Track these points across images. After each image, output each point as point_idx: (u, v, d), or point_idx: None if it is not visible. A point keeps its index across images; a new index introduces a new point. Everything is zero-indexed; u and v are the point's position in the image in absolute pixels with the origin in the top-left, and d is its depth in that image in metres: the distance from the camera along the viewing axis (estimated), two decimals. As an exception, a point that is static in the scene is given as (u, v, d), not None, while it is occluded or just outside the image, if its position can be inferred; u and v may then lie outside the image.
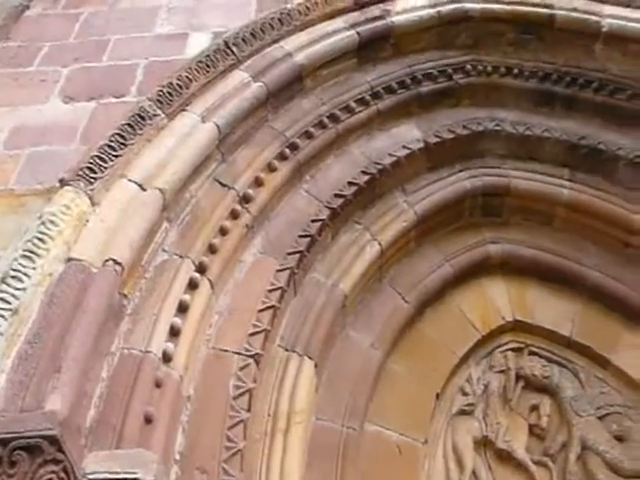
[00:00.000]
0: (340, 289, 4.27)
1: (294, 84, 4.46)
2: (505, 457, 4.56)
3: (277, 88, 4.35)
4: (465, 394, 4.72)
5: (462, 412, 4.68)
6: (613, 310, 5.05)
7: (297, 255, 4.08)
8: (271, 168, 4.22)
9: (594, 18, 5.15)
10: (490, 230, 5.15)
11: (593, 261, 5.13)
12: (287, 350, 3.94)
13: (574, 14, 5.18)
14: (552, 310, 5.10)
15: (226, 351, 3.64)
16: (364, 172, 4.51)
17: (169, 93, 3.96)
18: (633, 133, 5.13)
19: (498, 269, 5.12)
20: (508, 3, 5.12)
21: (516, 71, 5.16)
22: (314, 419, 3.95)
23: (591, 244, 5.17)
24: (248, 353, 3.63)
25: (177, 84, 4.01)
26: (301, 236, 4.15)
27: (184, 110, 4.04)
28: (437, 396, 4.54)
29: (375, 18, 4.78)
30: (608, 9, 5.18)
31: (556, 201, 5.17)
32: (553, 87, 5.22)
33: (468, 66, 5.05)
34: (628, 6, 5.17)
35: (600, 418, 4.82)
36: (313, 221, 4.22)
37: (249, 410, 3.50)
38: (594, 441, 4.69)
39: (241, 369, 3.59)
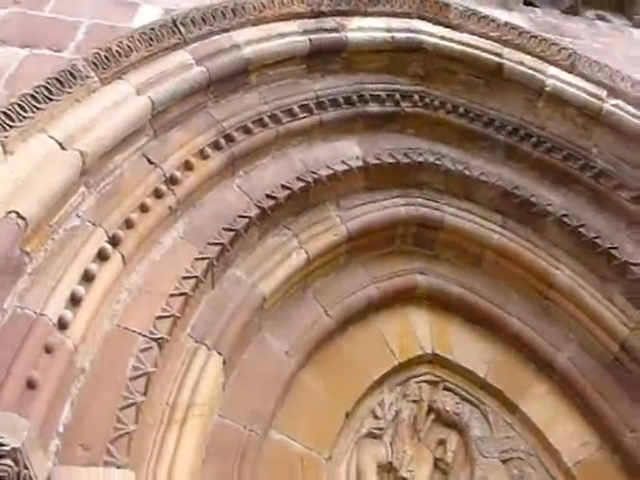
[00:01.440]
0: (260, 290, 4.01)
1: (239, 77, 4.23)
2: (406, 487, 4.41)
3: (220, 77, 4.11)
4: (376, 417, 4.49)
5: (371, 435, 4.43)
6: (528, 359, 4.93)
7: (218, 247, 3.81)
8: (203, 155, 3.97)
9: (539, 76, 5.10)
10: (420, 261, 4.97)
11: (515, 309, 5.00)
12: (197, 341, 3.65)
13: (521, 67, 5.10)
14: (471, 350, 4.93)
15: (130, 330, 3.32)
16: (300, 179, 4.29)
17: (107, 58, 3.68)
18: (564, 192, 5.07)
19: (424, 300, 4.93)
20: (462, 43, 5.02)
21: (462, 110, 5.05)
22: (216, 416, 3.65)
23: (515, 292, 5.05)
24: (152, 336, 3.33)
25: (117, 51, 3.74)
26: (226, 229, 3.88)
27: (120, 78, 3.76)
28: (347, 415, 4.30)
29: (330, 30, 4.60)
30: (552, 70, 5.14)
31: (486, 244, 5.03)
32: (495, 134, 5.12)
33: (416, 96, 4.91)
34: (570, 72, 5.15)
35: (503, 461, 4.65)
36: (241, 217, 3.96)
37: (145, 394, 3.18)
38: None
39: (142, 351, 3.27)
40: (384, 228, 4.77)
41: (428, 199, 4.95)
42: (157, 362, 3.31)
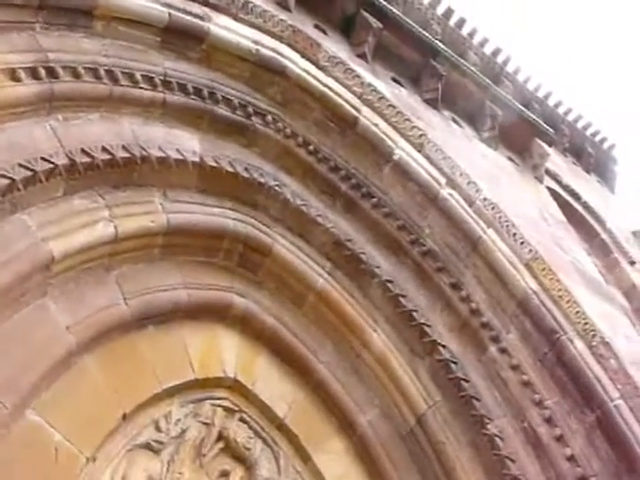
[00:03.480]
0: (50, 247, 3.35)
1: (80, 16, 3.71)
2: (187, 512, 3.71)
3: (55, 4, 3.57)
4: (158, 429, 3.85)
5: (148, 446, 3.77)
6: (331, 412, 4.56)
7: (6, 181, 3.17)
8: (14, 76, 3.35)
9: (390, 143, 4.99)
10: (242, 283, 4.50)
11: (327, 358, 4.65)
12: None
13: (375, 129, 4.95)
14: (275, 387, 4.46)
15: None
16: (126, 149, 3.74)
17: None
18: (393, 260, 4.91)
19: (237, 324, 4.44)
20: (324, 85, 4.83)
21: (312, 148, 4.78)
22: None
23: (330, 341, 4.70)
24: None
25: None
26: (22, 166, 3.24)
27: None
28: (124, 416, 3.64)
29: (194, 14, 4.23)
30: (403, 143, 5.03)
31: (311, 286, 4.67)
32: (340, 182, 4.88)
33: (270, 117, 4.60)
34: (419, 151, 5.08)
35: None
36: (44, 160, 3.34)
37: None
38: None
39: None
40: (209, 236, 4.31)
41: (261, 223, 4.56)
42: None
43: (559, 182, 7.90)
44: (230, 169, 4.34)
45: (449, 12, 6.94)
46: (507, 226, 5.12)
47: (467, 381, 4.59)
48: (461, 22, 7.11)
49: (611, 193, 9.58)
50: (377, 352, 4.69)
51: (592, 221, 8.04)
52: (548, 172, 7.78)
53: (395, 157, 4.99)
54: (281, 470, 4.27)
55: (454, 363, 4.63)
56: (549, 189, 7.40)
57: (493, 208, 5.18)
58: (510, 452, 4.37)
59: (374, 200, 4.93)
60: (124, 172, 3.82)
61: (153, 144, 3.96)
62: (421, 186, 5.01)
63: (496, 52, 7.53)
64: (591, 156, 9.37)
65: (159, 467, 3.75)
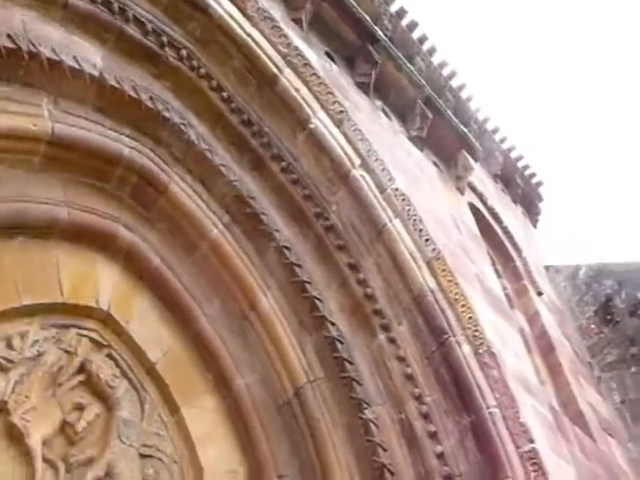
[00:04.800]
0: None
1: None
2: (16, 436, 3.50)
3: None
4: (10, 347, 3.63)
5: (-6, 362, 3.47)
6: (208, 368, 4.45)
7: None
8: None
9: (308, 111, 4.90)
10: (131, 216, 4.34)
11: (212, 313, 4.53)
12: None
13: (294, 93, 4.89)
14: (152, 330, 4.30)
15: None
16: (11, 38, 3.50)
17: None
18: (295, 229, 4.83)
19: (121, 257, 4.29)
20: (248, 35, 4.69)
21: (226, 95, 4.65)
22: None
23: (218, 297, 4.58)
24: None
25: None
26: None
27: None
28: (-34, 322, 3.34)
29: None
30: (322, 115, 4.98)
31: (204, 235, 4.54)
32: (250, 138, 4.76)
33: (185, 52, 4.42)
34: (337, 127, 5.05)
35: (142, 455, 3.97)
36: None
37: None
38: (121, 473, 3.80)
39: None
40: (101, 158, 4.11)
41: (161, 158, 4.39)
42: None
43: (484, 202, 8.01)
44: (133, 94, 4.16)
45: (402, 12, 6.97)
46: (414, 220, 5.08)
47: (351, 363, 4.52)
48: (413, 25, 7.15)
49: (533, 227, 9.80)
50: (265, 318, 4.59)
51: (509, 246, 8.18)
52: (475, 190, 7.89)
53: (311, 126, 4.89)
54: (145, 416, 4.10)
55: (341, 343, 4.56)
56: (473, 206, 7.49)
57: (404, 200, 5.13)
58: (383, 440, 4.33)
59: (283, 164, 4.82)
60: (7, 64, 3.59)
61: (46, 44, 3.73)
62: (334, 161, 4.92)
63: (443, 64, 7.61)
64: (519, 187, 9.59)
65: (3, 385, 3.51)
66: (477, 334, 4.77)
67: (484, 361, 4.65)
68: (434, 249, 5.04)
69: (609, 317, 8.15)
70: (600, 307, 8.33)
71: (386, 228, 4.91)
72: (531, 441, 4.47)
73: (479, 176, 8.23)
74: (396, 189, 5.15)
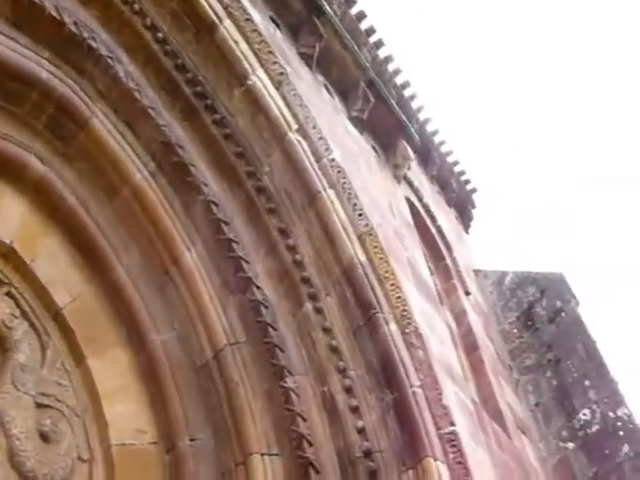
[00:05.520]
0: None
1: None
2: None
3: None
4: None
5: None
6: (121, 321, 4.21)
7: None
8: None
9: (246, 66, 4.71)
10: (47, 149, 4.06)
11: (130, 263, 4.28)
12: None
13: (233, 45, 4.69)
14: (60, 273, 4.02)
15: None
16: None
17: None
18: (225, 186, 4.63)
19: (30, 190, 3.98)
20: None
21: (160, 37, 4.41)
22: None
23: (137, 248, 4.33)
24: None
25: None
26: None
27: None
28: None
29: None
30: (261, 73, 4.79)
31: (127, 179, 4.28)
32: (184, 85, 4.52)
33: None
34: (276, 88, 4.86)
35: (38, 405, 3.66)
36: None
37: None
38: (12, 421, 3.49)
39: None
40: (13, 76, 3.81)
41: (83, 91, 4.12)
42: None
43: (420, 199, 7.98)
44: (55, 15, 3.86)
45: (351, 0, 6.89)
46: (349, 194, 4.89)
47: (275, 329, 4.31)
48: (361, 15, 7.05)
49: (465, 232, 9.85)
50: (187, 274, 4.35)
51: (442, 245, 8.18)
52: (411, 185, 7.85)
53: (249, 82, 4.68)
54: (45, 363, 3.81)
55: (265, 307, 4.34)
56: (409, 201, 7.43)
57: (339, 172, 4.94)
58: (303, 410, 4.13)
59: (217, 116, 4.58)
60: None
61: None
62: (270, 122, 4.71)
63: (389, 59, 7.54)
64: (454, 192, 9.62)
65: None
66: (405, 314, 4.63)
67: (410, 341, 4.51)
68: (367, 224, 4.88)
69: (530, 323, 8.27)
70: (522, 313, 8.45)
71: (320, 196, 4.71)
72: (452, 424, 4.36)
73: (416, 174, 8.20)
74: (332, 159, 4.98)
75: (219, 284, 4.42)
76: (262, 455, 3.94)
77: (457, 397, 5.11)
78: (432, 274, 7.30)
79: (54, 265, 3.97)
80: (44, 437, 3.58)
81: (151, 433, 3.99)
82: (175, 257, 4.34)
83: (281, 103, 4.83)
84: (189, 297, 4.33)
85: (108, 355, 4.05)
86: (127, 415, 3.94)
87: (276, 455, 3.97)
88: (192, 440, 4.01)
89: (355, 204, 4.94)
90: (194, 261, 4.37)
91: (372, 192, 5.78)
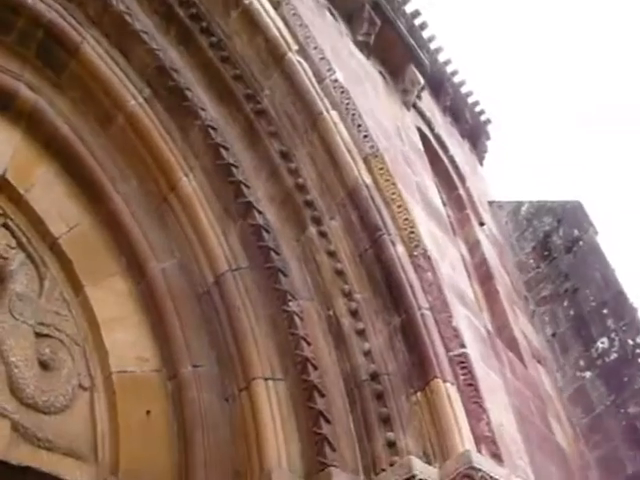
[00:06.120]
0: None
1: None
2: None
3: None
4: None
5: None
6: (120, 248, 4.10)
7: None
8: None
9: None
10: (38, 78, 3.93)
11: (128, 192, 4.17)
12: None
13: None
14: (56, 203, 3.91)
15: None
16: None
17: None
18: (224, 111, 4.47)
19: (23, 119, 3.87)
20: None
21: None
22: None
23: (135, 176, 4.22)
24: None
25: None
26: None
27: None
28: None
29: None
30: None
31: (121, 106, 4.15)
32: (178, 7, 4.35)
33: None
34: (275, 8, 4.67)
35: (37, 334, 3.59)
36: None
37: None
38: (10, 349, 3.42)
39: None
40: None
41: (73, 17, 3.97)
42: None
43: (432, 129, 7.75)
44: None
45: None
46: (353, 115, 4.69)
47: (278, 253, 4.18)
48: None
49: (479, 164, 9.63)
50: (185, 200, 4.23)
51: (454, 175, 7.98)
52: (423, 116, 7.62)
53: (246, 2, 4.48)
54: (44, 292, 3.74)
55: (267, 232, 4.21)
56: (420, 131, 7.20)
57: (342, 93, 4.73)
58: (307, 334, 4.00)
59: (213, 39, 4.41)
60: None
61: None
62: (269, 42, 4.52)
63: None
64: (467, 123, 9.38)
65: None
66: (413, 236, 4.44)
67: (418, 263, 4.33)
68: (372, 146, 4.68)
69: (547, 253, 8.10)
70: (538, 243, 8.27)
71: (322, 117, 4.51)
72: (462, 346, 4.20)
73: (428, 105, 7.95)
74: (335, 80, 4.77)
75: (219, 210, 4.30)
76: (266, 380, 3.85)
77: (469, 321, 4.98)
78: (444, 205, 7.12)
79: (49, 195, 3.88)
80: (44, 365, 3.52)
81: (153, 361, 3.92)
82: (173, 183, 4.22)
83: (280, 24, 4.65)
84: (188, 224, 4.22)
85: (107, 284, 3.97)
86: (128, 343, 3.86)
87: (280, 379, 3.88)
88: (195, 367, 3.92)
89: (360, 125, 4.75)
90: (193, 187, 4.25)
91: (379, 116, 5.57)
